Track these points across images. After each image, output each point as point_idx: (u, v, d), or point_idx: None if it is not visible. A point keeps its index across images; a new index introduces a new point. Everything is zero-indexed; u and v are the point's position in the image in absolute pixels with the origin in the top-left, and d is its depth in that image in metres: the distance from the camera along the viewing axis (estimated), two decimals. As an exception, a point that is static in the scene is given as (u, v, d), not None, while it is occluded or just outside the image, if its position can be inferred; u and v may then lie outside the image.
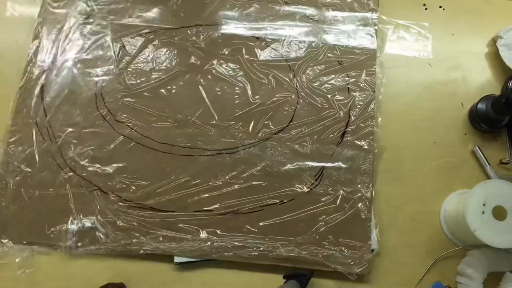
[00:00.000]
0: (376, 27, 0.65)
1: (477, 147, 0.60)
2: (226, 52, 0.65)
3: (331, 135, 0.60)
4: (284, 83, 0.63)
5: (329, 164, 0.59)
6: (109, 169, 0.59)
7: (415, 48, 0.65)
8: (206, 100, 0.62)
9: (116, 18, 0.67)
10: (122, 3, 0.68)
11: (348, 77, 0.63)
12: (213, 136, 0.60)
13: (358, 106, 0.62)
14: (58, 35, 0.66)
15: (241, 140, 0.60)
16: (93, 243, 0.56)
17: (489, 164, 0.59)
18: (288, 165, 0.59)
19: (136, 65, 0.65)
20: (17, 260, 0.57)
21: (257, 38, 0.66)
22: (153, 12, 0.67)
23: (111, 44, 0.66)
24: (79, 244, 0.57)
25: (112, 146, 0.61)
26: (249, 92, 0.62)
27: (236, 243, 0.55)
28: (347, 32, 0.66)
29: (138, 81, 0.64)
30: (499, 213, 0.51)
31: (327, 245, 0.55)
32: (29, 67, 0.65)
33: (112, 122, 0.62)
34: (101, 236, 0.57)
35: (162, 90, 0.63)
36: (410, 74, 0.64)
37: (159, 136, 0.61)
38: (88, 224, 0.57)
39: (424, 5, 0.68)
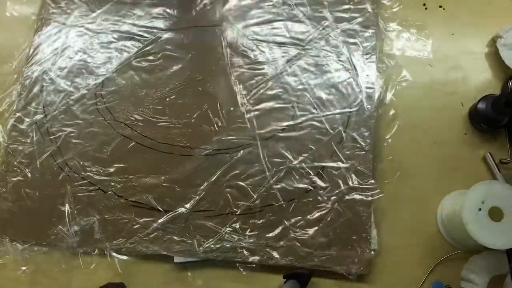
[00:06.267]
0: (375, 27, 0.65)
1: (488, 153, 0.59)
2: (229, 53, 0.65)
3: (331, 135, 0.60)
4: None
5: (329, 164, 0.59)
6: (109, 169, 0.60)
7: (415, 48, 0.65)
8: (207, 100, 0.62)
9: (118, 19, 0.67)
10: (124, 4, 0.68)
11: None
12: (213, 136, 0.60)
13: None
14: (58, 35, 0.66)
15: (241, 140, 0.60)
16: (93, 243, 0.57)
17: (500, 171, 0.58)
18: (288, 165, 0.59)
19: (136, 65, 0.65)
20: (17, 260, 0.57)
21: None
22: (156, 14, 0.67)
23: (112, 44, 0.66)
24: (79, 244, 0.57)
25: (112, 146, 0.61)
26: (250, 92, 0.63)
27: (236, 244, 0.55)
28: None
29: (139, 81, 0.64)
30: (495, 214, 0.51)
31: (327, 245, 0.55)
32: (29, 67, 0.65)
33: (112, 122, 0.62)
34: (101, 236, 0.57)
35: (162, 90, 0.63)
36: (410, 74, 0.64)
37: (159, 136, 0.61)
38: (88, 224, 0.57)
39: (424, 4, 0.68)
